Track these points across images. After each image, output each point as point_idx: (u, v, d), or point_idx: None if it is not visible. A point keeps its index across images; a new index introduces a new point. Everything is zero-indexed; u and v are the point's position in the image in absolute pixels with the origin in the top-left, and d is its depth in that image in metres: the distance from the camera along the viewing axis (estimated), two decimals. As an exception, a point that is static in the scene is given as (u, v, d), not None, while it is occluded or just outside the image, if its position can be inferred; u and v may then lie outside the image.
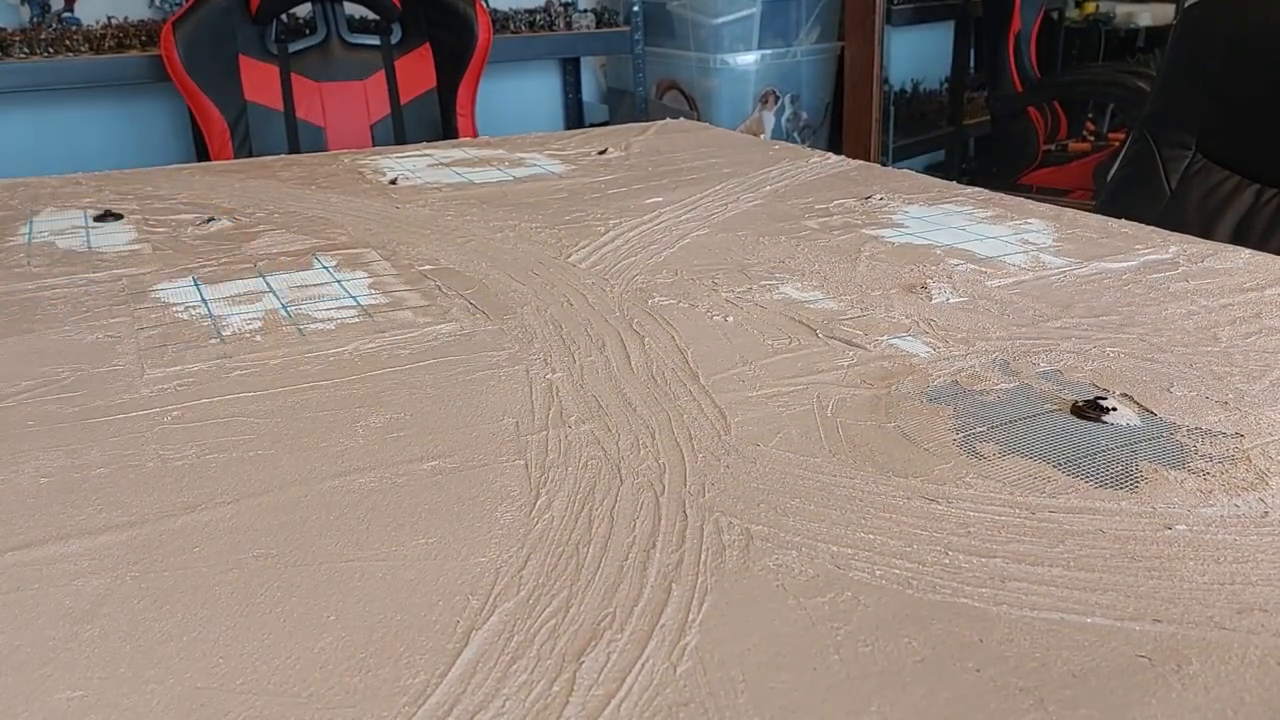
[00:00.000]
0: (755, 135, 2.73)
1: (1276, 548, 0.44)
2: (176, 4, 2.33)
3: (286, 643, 0.40)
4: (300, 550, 0.47)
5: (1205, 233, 0.97)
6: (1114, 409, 0.57)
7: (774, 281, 0.83)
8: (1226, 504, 0.48)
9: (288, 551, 0.47)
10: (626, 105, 2.96)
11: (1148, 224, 0.98)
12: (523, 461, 0.54)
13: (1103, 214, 1.01)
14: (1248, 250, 0.88)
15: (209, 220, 1.05)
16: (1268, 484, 0.50)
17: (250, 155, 1.92)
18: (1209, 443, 0.54)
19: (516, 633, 0.40)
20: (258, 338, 0.73)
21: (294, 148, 1.97)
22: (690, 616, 0.41)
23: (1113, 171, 1.36)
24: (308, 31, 2.09)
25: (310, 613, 0.42)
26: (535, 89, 3.06)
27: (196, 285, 0.86)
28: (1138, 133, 1.33)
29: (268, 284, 0.86)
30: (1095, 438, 0.55)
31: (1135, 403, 0.59)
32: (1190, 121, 1.26)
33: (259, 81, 1.96)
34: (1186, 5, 1.31)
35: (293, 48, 2.01)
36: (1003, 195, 1.11)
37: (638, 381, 0.64)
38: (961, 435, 0.56)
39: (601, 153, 1.39)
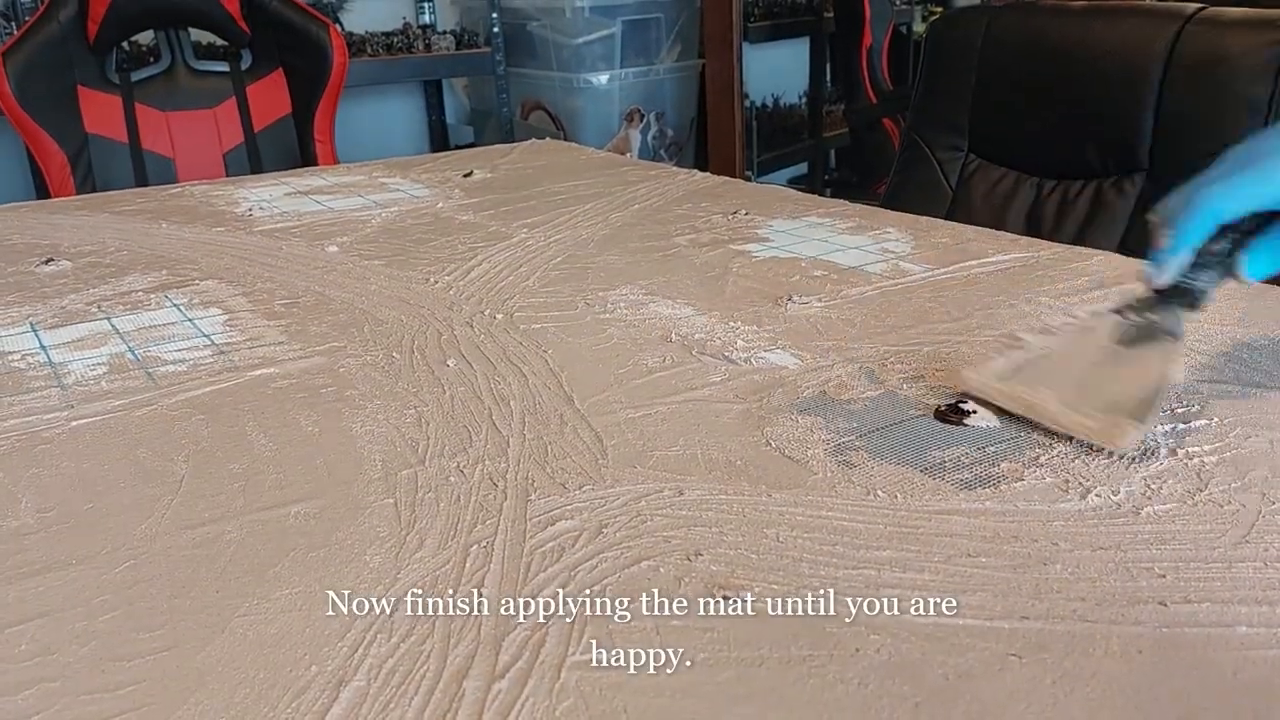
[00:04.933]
0: (622, 153, 2.75)
1: (1130, 537, 0.46)
2: (6, 33, 2.20)
3: (141, 715, 0.38)
4: (155, 611, 0.44)
5: (998, 228, 1.04)
6: (974, 411, 0.59)
7: (645, 300, 0.83)
8: (1082, 499, 0.50)
9: (141, 614, 0.44)
10: (492, 126, 2.94)
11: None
12: (392, 500, 0.52)
13: (955, 221, 1.06)
14: (1097, 251, 0.92)
15: (48, 261, 0.99)
16: (1120, 476, 0.52)
17: (94, 190, 1.82)
18: (1063, 440, 0.56)
19: (389, 684, 0.39)
20: (102, 384, 0.69)
21: (141, 180, 1.88)
22: (570, 650, 0.40)
23: (890, 176, 1.43)
24: (151, 59, 2.00)
25: (168, 679, 0.39)
26: (397, 113, 3.01)
27: (34, 331, 0.80)
28: (908, 138, 1.40)
29: (113, 326, 0.81)
30: (958, 440, 0.57)
31: (994, 404, 0.61)
32: (958, 124, 1.34)
33: (100, 112, 1.86)
34: (930, 20, 1.40)
35: (136, 76, 1.92)
36: (862, 206, 1.14)
37: (511, 409, 0.63)
38: (832, 445, 0.57)
39: (467, 175, 1.37)
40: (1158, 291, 0.57)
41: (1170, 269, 0.56)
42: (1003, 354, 0.61)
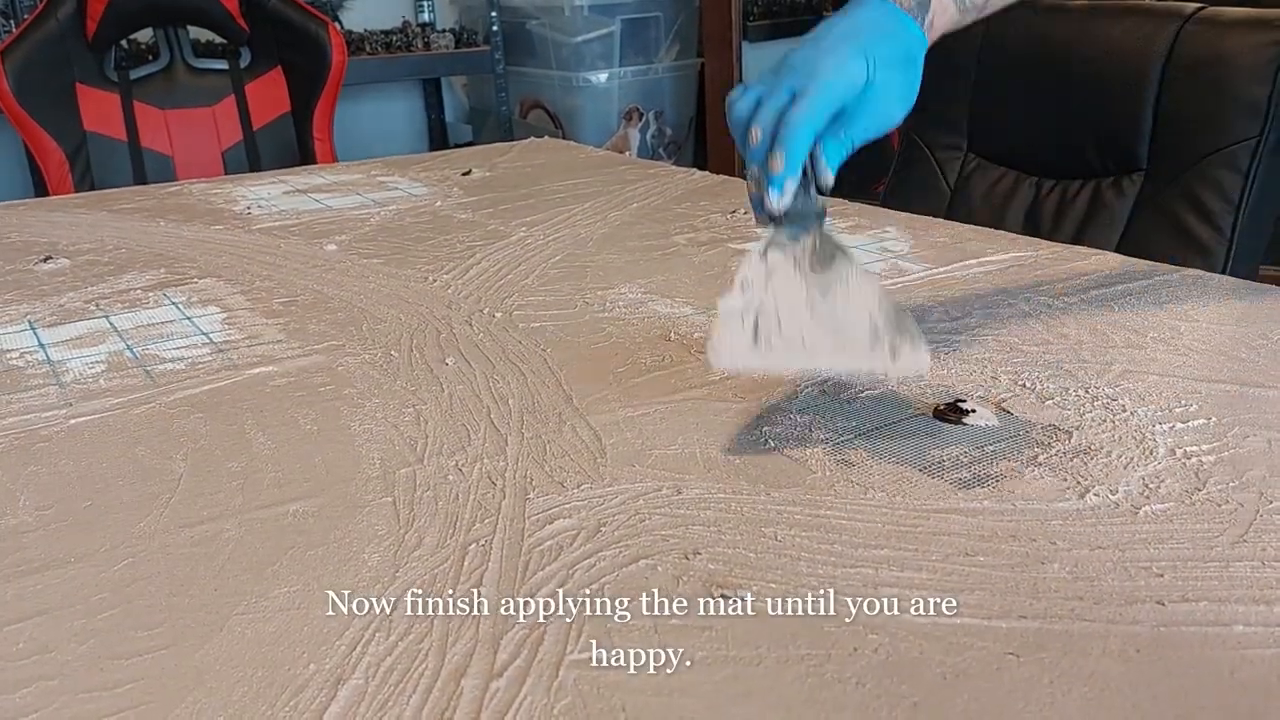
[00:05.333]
0: (621, 152, 2.75)
1: (1128, 536, 0.46)
2: (5, 31, 2.20)
3: (139, 713, 0.38)
4: (153, 609, 0.44)
5: (996, 227, 1.04)
6: (973, 410, 0.59)
7: (644, 298, 0.83)
8: (1080, 498, 0.50)
9: (139, 612, 0.44)
10: (491, 125, 2.94)
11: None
12: (390, 499, 0.52)
13: (954, 220, 1.06)
14: (1095, 251, 0.92)
15: (46, 259, 0.99)
16: (1117, 476, 0.52)
17: (92, 188, 1.82)
18: (1062, 439, 0.56)
19: (387, 683, 0.38)
20: (101, 382, 0.69)
21: (140, 178, 1.87)
22: (568, 649, 0.40)
23: (889, 176, 1.43)
24: (150, 57, 2.00)
25: (166, 677, 0.39)
26: (396, 111, 3.01)
27: (33, 329, 0.80)
28: (906, 138, 1.40)
29: (111, 324, 0.81)
30: (956, 439, 0.57)
31: (992, 403, 0.61)
32: (957, 123, 1.34)
33: (99, 110, 1.86)
34: None
35: (134, 74, 1.92)
36: (860, 204, 1.14)
37: (510, 408, 0.63)
38: (830, 444, 0.57)
39: (466, 174, 1.37)
40: (779, 220, 0.59)
41: (790, 190, 0.57)
42: (720, 323, 0.58)
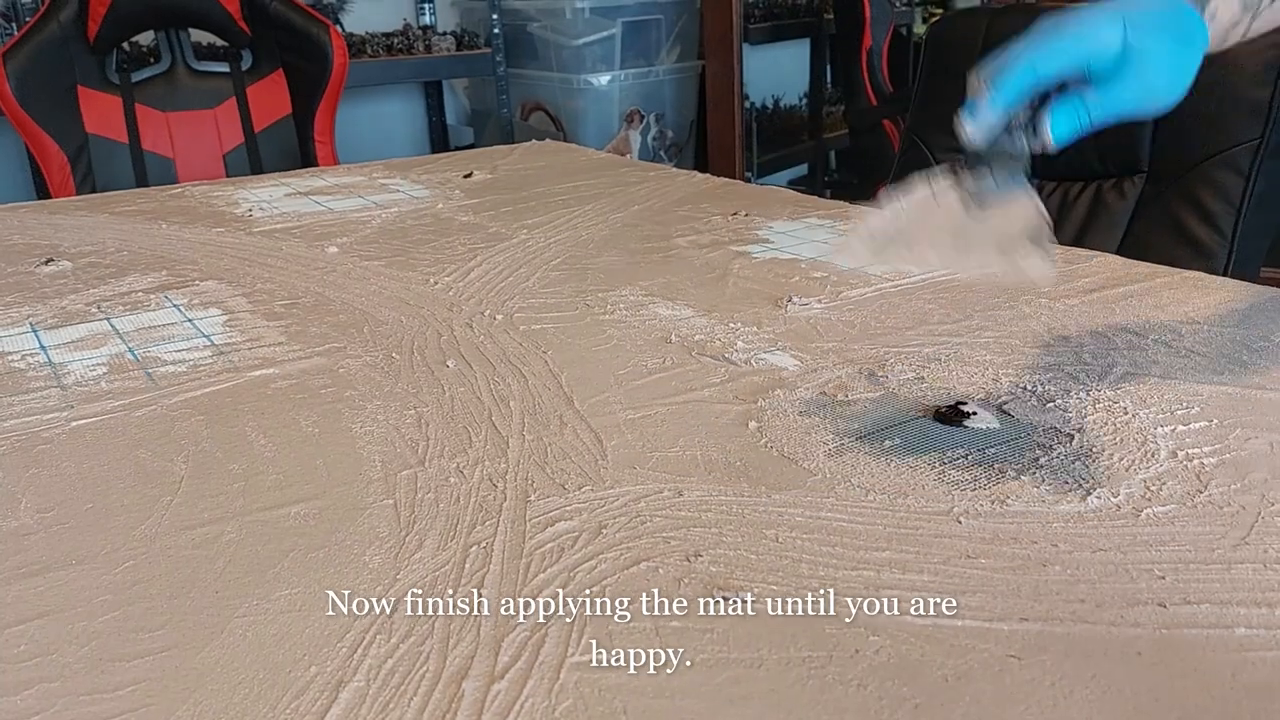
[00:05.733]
0: (622, 154, 2.75)
1: (1130, 538, 0.46)
2: (7, 33, 2.20)
3: (140, 715, 0.37)
4: (155, 612, 0.44)
5: None
6: (974, 413, 0.59)
7: (645, 301, 0.83)
8: (1081, 501, 0.50)
9: (141, 614, 0.44)
10: (492, 127, 2.94)
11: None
12: (391, 501, 0.52)
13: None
14: (1096, 253, 0.92)
15: (48, 262, 0.99)
16: (1119, 479, 0.52)
17: (94, 190, 1.82)
18: (1063, 442, 0.56)
19: (388, 685, 0.38)
20: (102, 384, 0.69)
21: (141, 181, 1.87)
22: (569, 651, 0.40)
23: (890, 178, 1.43)
24: (151, 60, 2.00)
25: (167, 679, 0.39)
26: (397, 113, 3.01)
27: (34, 331, 0.80)
28: (908, 139, 1.40)
29: (113, 327, 0.81)
30: (957, 441, 0.57)
31: (994, 405, 0.61)
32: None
33: (100, 113, 1.86)
34: (930, 22, 1.39)
35: (136, 77, 1.92)
36: (862, 207, 1.14)
37: (511, 410, 0.63)
38: (831, 446, 0.57)
39: (467, 176, 1.37)
40: (980, 157, 0.56)
41: (985, 124, 0.54)
42: (860, 234, 0.59)
